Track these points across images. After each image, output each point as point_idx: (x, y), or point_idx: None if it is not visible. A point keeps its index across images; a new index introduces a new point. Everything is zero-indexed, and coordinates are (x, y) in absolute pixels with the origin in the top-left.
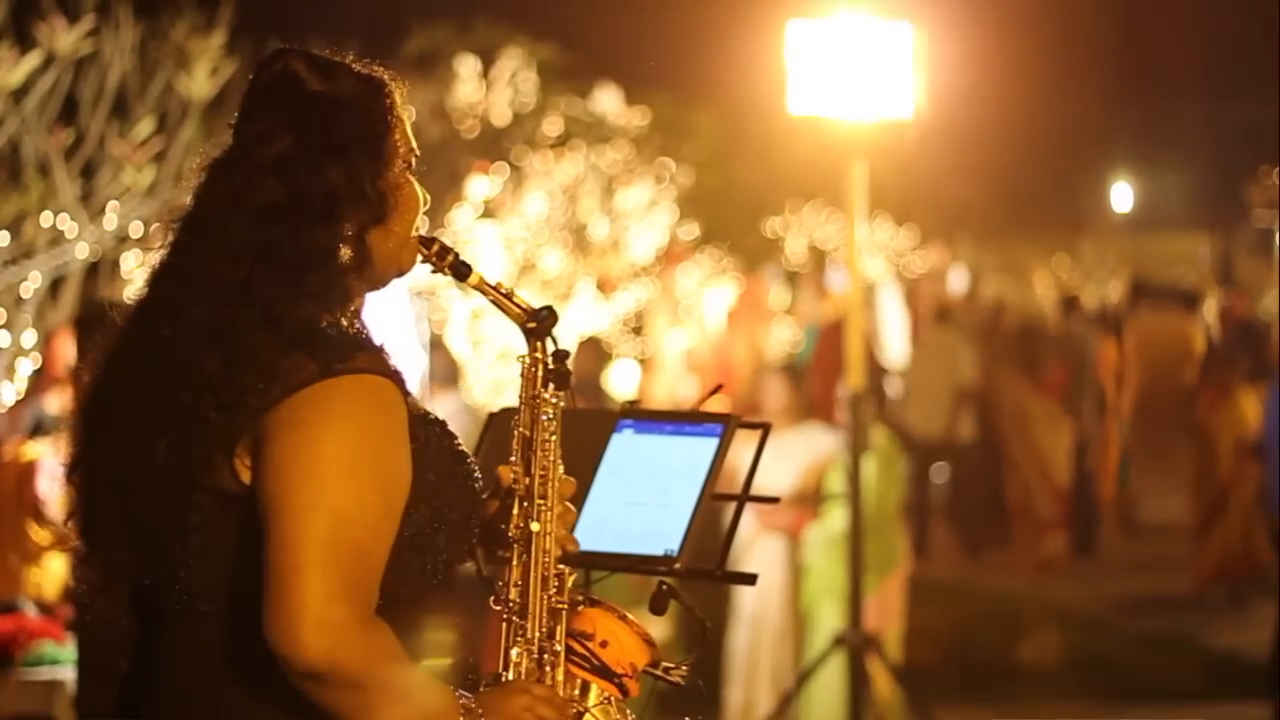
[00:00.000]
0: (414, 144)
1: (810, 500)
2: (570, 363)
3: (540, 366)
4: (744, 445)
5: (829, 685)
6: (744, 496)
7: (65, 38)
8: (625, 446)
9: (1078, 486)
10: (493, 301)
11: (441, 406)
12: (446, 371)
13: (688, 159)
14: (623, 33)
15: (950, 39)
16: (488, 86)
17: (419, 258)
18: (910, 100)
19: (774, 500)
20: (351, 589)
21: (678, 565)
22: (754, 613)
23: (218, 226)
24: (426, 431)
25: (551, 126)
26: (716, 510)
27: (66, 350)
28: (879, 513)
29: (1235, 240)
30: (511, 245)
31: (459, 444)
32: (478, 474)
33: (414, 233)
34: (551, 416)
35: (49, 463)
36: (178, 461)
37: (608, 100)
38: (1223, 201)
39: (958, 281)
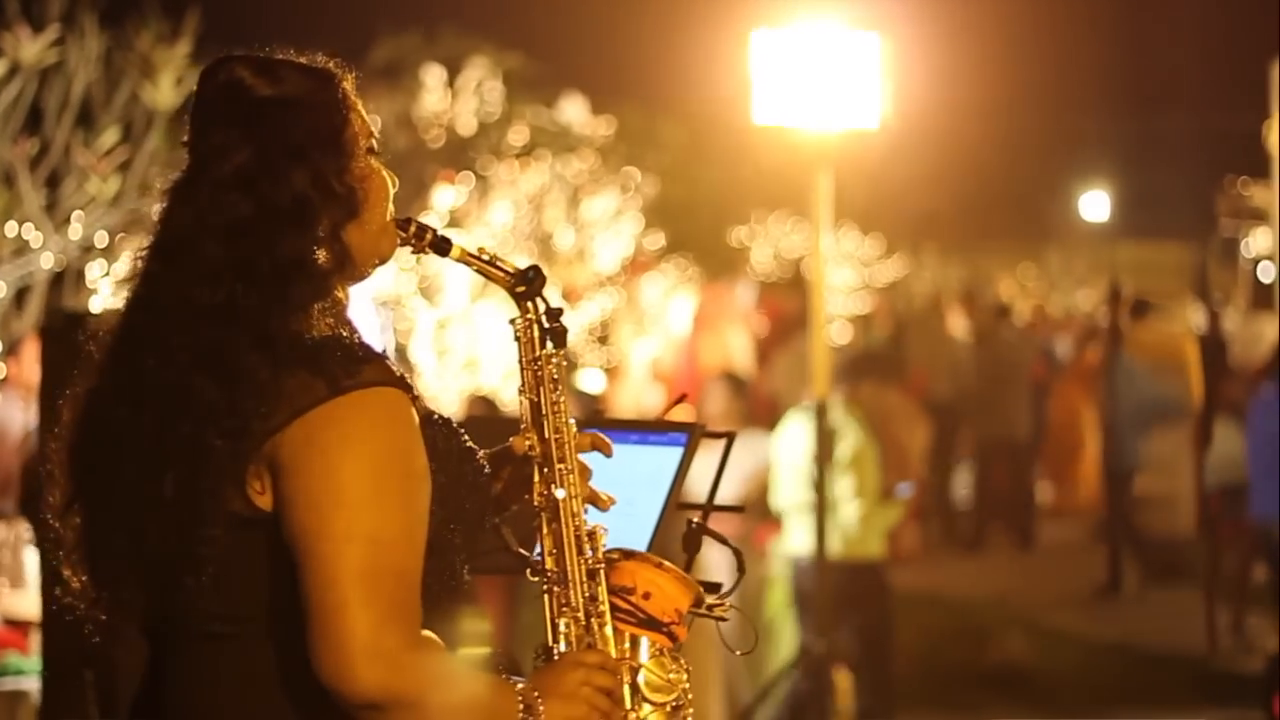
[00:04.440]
0: (373, 129)
1: (762, 509)
2: (563, 320)
3: (535, 327)
4: (701, 454)
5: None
6: (709, 506)
7: (30, 47)
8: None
9: (1015, 489)
10: (477, 271)
11: None
12: None
13: (653, 168)
14: (588, 43)
15: (917, 49)
16: (453, 96)
17: (398, 241)
18: (876, 110)
19: (739, 509)
20: (398, 613)
21: None
22: (702, 620)
23: (186, 250)
24: (434, 432)
25: (517, 136)
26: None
27: (32, 360)
28: None
29: (1207, 250)
30: None
31: (465, 440)
32: (486, 467)
33: (388, 218)
34: (556, 376)
35: None
36: (186, 494)
37: (573, 110)
38: (1192, 211)
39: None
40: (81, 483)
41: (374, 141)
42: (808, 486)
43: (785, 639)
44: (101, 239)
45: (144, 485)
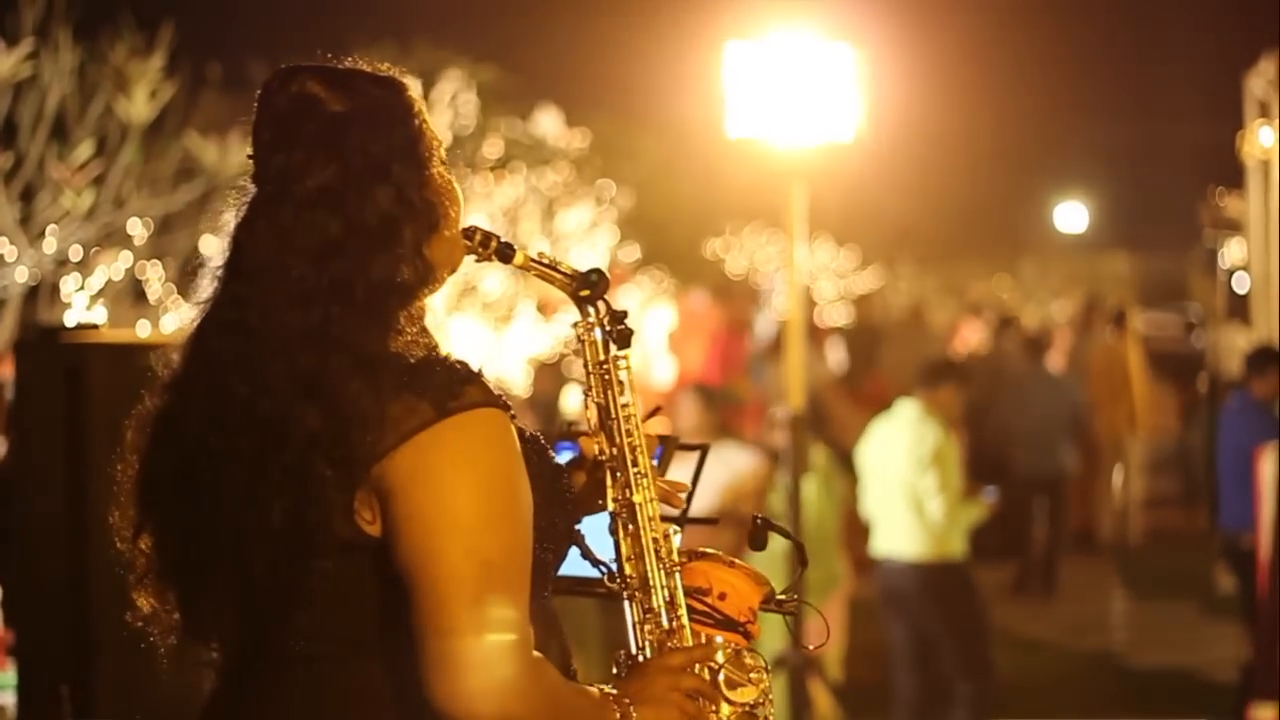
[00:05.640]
0: (439, 136)
1: (734, 520)
2: (627, 322)
3: (599, 330)
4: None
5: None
6: (683, 519)
7: (4, 61)
8: None
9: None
10: (538, 275)
11: None
12: None
13: (628, 181)
14: (563, 55)
15: (891, 60)
16: (428, 108)
17: (465, 249)
18: (850, 122)
19: (713, 521)
20: (514, 637)
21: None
22: None
23: (273, 272)
24: (526, 449)
25: (492, 148)
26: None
27: (5, 374)
28: (819, 533)
29: (1189, 260)
30: None
31: (554, 457)
32: (572, 485)
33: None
34: (624, 380)
35: None
36: (295, 526)
37: (548, 122)
38: (1164, 222)
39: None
40: (164, 510)
41: (443, 150)
42: (897, 490)
43: (762, 647)
44: (76, 253)
45: (248, 516)
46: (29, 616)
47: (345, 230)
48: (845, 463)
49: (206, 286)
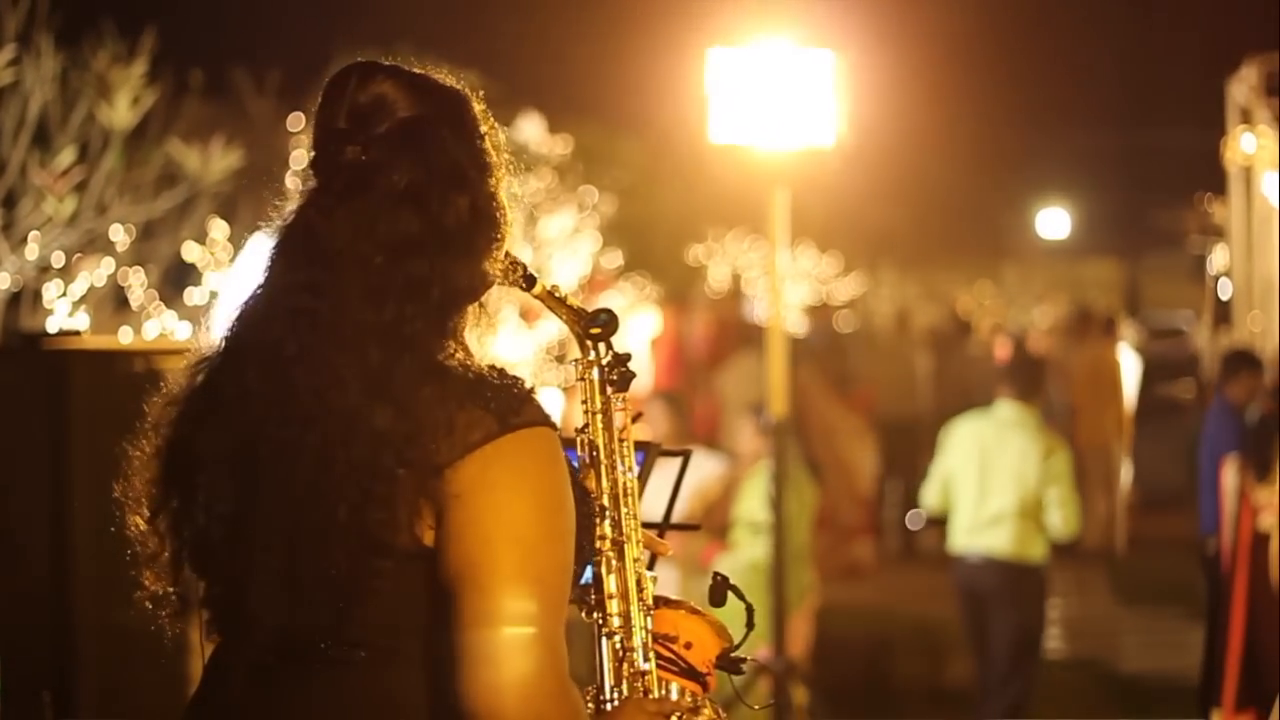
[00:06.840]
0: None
1: (704, 525)
2: (629, 365)
3: (597, 370)
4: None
5: (746, 710)
6: (664, 525)
7: None
8: None
9: None
10: (550, 308)
11: None
12: None
13: (610, 187)
14: (546, 62)
15: (872, 66)
16: None
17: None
18: (832, 128)
19: (695, 528)
20: (556, 652)
21: None
22: None
23: (350, 261)
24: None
25: None
26: None
27: None
28: (791, 543)
29: (1175, 267)
30: None
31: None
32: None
33: None
34: (621, 423)
35: None
36: (359, 522)
37: (530, 129)
38: (1139, 228)
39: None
40: (201, 491)
41: (506, 166)
42: (1007, 490)
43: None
44: (58, 259)
45: (310, 508)
46: (11, 622)
47: (425, 230)
48: (815, 471)
49: (278, 267)
